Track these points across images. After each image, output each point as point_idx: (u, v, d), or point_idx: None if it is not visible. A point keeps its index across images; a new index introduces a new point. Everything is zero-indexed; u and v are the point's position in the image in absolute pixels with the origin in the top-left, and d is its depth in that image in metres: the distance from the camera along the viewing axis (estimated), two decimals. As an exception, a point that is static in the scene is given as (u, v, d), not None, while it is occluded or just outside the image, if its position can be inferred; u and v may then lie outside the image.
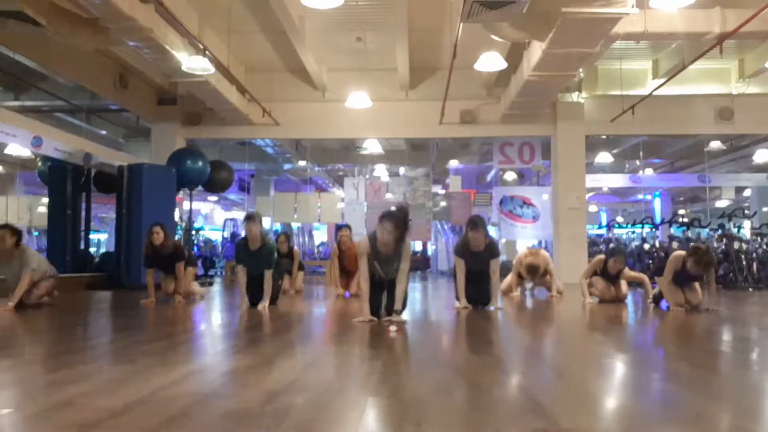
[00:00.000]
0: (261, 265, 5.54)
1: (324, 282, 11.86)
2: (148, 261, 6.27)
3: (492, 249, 5.51)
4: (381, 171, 16.74)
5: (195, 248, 13.20)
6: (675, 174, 16.80)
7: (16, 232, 5.42)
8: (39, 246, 16.41)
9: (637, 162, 15.75)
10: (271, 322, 4.63)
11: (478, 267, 5.43)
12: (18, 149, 9.04)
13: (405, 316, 4.50)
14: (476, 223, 5.40)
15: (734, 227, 10.40)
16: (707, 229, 11.16)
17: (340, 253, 7.56)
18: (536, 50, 8.27)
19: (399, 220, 4.32)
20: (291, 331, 4.14)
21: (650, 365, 2.82)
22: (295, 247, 8.41)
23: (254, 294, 5.65)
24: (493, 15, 6.40)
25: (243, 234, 5.77)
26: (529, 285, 7.59)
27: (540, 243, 7.97)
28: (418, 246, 23.17)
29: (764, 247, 10.18)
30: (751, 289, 9.11)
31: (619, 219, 19.29)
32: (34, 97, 11.23)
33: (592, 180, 14.97)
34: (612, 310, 5.63)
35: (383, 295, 4.51)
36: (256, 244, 5.57)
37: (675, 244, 10.26)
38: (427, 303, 6.89)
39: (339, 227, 7.72)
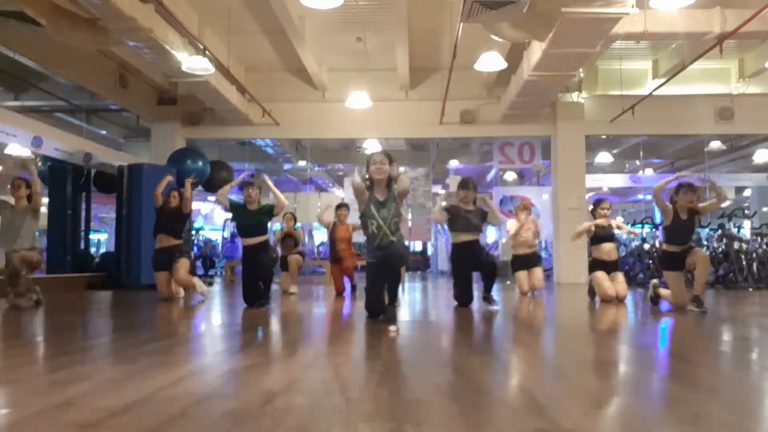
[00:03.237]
0: (256, 224, 5.69)
1: (324, 282, 11.86)
2: (157, 222, 6.66)
3: (481, 212, 5.77)
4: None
5: (195, 248, 13.20)
6: (675, 174, 16.79)
7: (30, 186, 5.82)
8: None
9: (637, 162, 15.76)
10: (271, 322, 4.63)
11: (468, 228, 5.63)
12: (18, 149, 9.02)
13: (403, 315, 4.50)
14: (465, 182, 5.79)
15: (734, 227, 10.40)
16: (707, 229, 11.15)
17: (333, 229, 7.54)
18: (536, 50, 8.28)
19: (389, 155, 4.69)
20: (291, 331, 4.14)
21: (650, 365, 2.82)
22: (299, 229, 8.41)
23: (251, 292, 5.65)
24: (493, 15, 6.40)
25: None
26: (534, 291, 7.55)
27: (540, 242, 8.07)
28: (418, 246, 23.19)
29: (764, 247, 10.18)
30: (751, 289, 9.11)
31: (619, 219, 19.26)
32: (34, 97, 11.23)
33: (592, 180, 14.97)
34: (611, 310, 5.63)
35: (384, 291, 4.56)
36: (253, 206, 5.74)
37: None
38: (427, 303, 6.89)
39: (338, 207, 7.74)
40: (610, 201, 6.82)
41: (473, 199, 5.76)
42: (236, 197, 6.38)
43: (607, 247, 6.55)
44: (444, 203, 6.05)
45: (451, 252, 5.86)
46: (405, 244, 4.78)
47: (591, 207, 6.83)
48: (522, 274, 7.37)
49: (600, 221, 6.58)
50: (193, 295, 6.64)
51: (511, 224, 7.46)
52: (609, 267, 6.49)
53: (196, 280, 6.77)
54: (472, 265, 5.67)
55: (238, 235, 5.89)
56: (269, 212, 5.77)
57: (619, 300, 6.37)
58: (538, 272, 7.35)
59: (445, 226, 6.09)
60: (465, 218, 5.65)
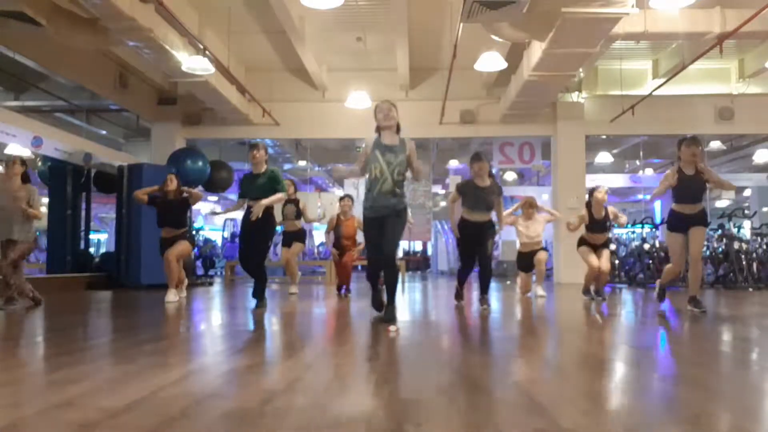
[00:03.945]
0: (263, 190, 5.52)
1: (324, 282, 11.86)
2: (159, 216, 6.44)
3: (496, 187, 5.62)
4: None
5: (195, 248, 13.18)
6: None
7: (25, 164, 5.66)
8: (39, 246, 16.43)
9: (637, 162, 15.75)
10: (271, 322, 4.63)
11: (480, 206, 5.49)
12: (18, 149, 9.01)
13: (403, 315, 4.49)
14: (478, 155, 5.57)
15: (734, 227, 10.40)
16: (707, 229, 11.13)
17: (338, 224, 7.41)
18: (536, 50, 8.28)
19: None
20: (291, 331, 4.14)
21: (650, 365, 2.82)
22: (302, 200, 7.93)
23: (247, 254, 5.55)
24: (493, 15, 6.41)
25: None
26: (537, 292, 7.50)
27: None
28: (418, 246, 23.20)
29: (764, 247, 10.17)
30: (751, 289, 9.11)
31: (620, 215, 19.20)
32: (34, 97, 11.23)
33: (592, 180, 14.95)
34: (612, 310, 5.63)
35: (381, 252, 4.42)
36: (259, 169, 5.62)
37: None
38: (427, 303, 6.89)
39: (341, 198, 7.62)
40: (605, 187, 6.76)
41: (488, 171, 5.57)
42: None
43: (600, 236, 6.67)
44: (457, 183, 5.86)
45: (459, 225, 5.69)
46: (406, 206, 4.52)
47: (587, 196, 6.84)
48: (524, 275, 7.36)
49: (595, 207, 6.59)
50: (173, 293, 6.34)
51: (515, 225, 7.44)
52: (595, 247, 6.67)
53: (184, 282, 6.67)
54: (476, 243, 5.56)
55: (243, 198, 5.67)
56: (275, 181, 5.60)
57: (602, 273, 6.50)
58: (542, 255, 7.27)
59: (447, 227, 6.02)
60: (478, 196, 5.49)
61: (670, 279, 5.50)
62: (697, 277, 5.26)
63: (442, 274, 18.34)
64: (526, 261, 7.33)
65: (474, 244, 5.59)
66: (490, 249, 5.62)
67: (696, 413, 1.84)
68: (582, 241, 6.79)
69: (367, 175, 4.51)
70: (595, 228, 6.64)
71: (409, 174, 4.58)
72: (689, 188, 5.14)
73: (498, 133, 12.31)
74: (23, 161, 5.65)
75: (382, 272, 4.50)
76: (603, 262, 6.57)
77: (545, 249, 7.59)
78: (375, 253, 4.48)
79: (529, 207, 7.38)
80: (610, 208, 6.68)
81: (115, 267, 9.60)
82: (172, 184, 6.51)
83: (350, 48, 10.47)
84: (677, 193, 5.21)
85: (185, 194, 6.59)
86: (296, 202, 7.78)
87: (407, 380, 2.38)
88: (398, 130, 4.53)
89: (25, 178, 5.64)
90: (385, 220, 4.39)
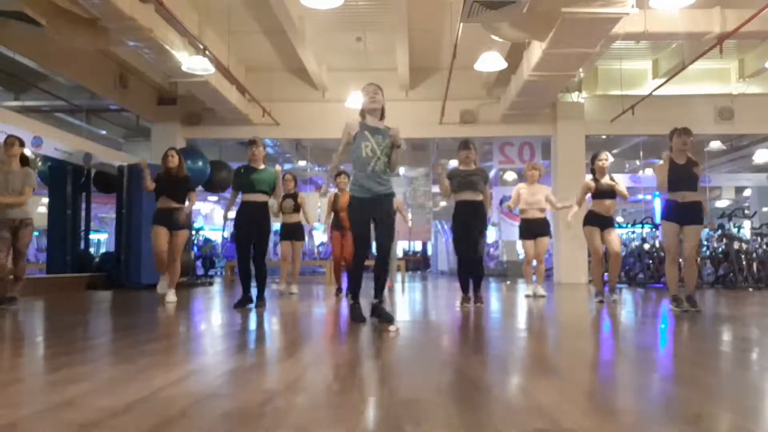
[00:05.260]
0: (261, 185, 5.52)
1: (323, 282, 11.86)
2: (158, 187, 6.11)
3: (483, 172, 5.67)
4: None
5: (195, 248, 13.19)
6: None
7: (23, 145, 5.63)
8: (39, 246, 16.44)
9: (637, 162, 15.77)
10: (271, 322, 4.63)
11: (466, 187, 5.51)
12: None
13: (403, 315, 4.48)
14: (465, 142, 5.66)
15: (734, 227, 10.40)
16: (707, 229, 11.16)
17: (335, 199, 7.38)
18: (536, 50, 8.28)
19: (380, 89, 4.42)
20: (291, 331, 4.14)
21: (650, 365, 2.82)
22: (301, 195, 7.86)
23: (246, 243, 5.52)
24: (493, 15, 6.41)
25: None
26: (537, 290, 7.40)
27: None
28: (418, 246, 23.20)
29: (764, 247, 10.18)
30: (751, 289, 9.11)
31: (619, 219, 19.26)
32: (34, 97, 11.24)
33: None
34: (612, 309, 5.63)
35: (370, 238, 4.32)
36: (259, 165, 5.66)
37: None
38: (427, 303, 6.89)
39: (337, 175, 7.47)
40: (607, 153, 6.53)
41: (474, 159, 5.63)
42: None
43: (607, 202, 6.28)
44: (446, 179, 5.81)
45: (453, 211, 5.66)
46: (393, 192, 4.34)
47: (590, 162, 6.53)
48: (528, 243, 7.24)
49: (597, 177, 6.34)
50: (166, 289, 6.21)
51: (515, 191, 7.36)
52: (603, 221, 6.27)
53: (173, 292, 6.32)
54: (469, 223, 5.48)
55: (240, 192, 5.64)
56: (271, 181, 5.63)
57: (614, 255, 6.21)
58: (544, 241, 7.20)
59: (447, 227, 5.94)
60: (464, 179, 5.52)
61: (675, 279, 5.45)
62: (693, 276, 5.33)
63: (442, 274, 18.34)
64: (528, 228, 7.20)
65: (466, 223, 5.51)
66: (482, 246, 5.59)
67: (696, 413, 1.84)
68: (588, 218, 6.33)
69: (355, 157, 4.30)
70: (602, 194, 6.27)
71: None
72: (681, 177, 5.24)
73: (498, 133, 12.31)
74: (22, 142, 5.58)
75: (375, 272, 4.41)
76: (614, 242, 6.17)
77: (548, 224, 7.36)
78: (362, 245, 4.29)
79: (533, 169, 7.33)
80: (614, 178, 6.39)
81: (115, 267, 9.59)
82: (174, 160, 6.14)
83: (350, 48, 10.48)
84: (670, 182, 5.28)
85: (188, 178, 6.27)
86: (294, 196, 7.75)
87: (407, 380, 2.38)
88: (383, 115, 4.42)
89: (24, 160, 5.57)
90: (374, 206, 4.22)
